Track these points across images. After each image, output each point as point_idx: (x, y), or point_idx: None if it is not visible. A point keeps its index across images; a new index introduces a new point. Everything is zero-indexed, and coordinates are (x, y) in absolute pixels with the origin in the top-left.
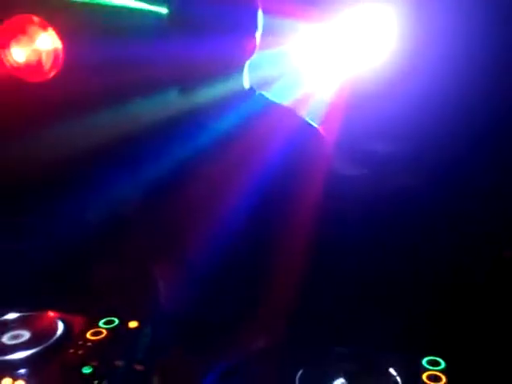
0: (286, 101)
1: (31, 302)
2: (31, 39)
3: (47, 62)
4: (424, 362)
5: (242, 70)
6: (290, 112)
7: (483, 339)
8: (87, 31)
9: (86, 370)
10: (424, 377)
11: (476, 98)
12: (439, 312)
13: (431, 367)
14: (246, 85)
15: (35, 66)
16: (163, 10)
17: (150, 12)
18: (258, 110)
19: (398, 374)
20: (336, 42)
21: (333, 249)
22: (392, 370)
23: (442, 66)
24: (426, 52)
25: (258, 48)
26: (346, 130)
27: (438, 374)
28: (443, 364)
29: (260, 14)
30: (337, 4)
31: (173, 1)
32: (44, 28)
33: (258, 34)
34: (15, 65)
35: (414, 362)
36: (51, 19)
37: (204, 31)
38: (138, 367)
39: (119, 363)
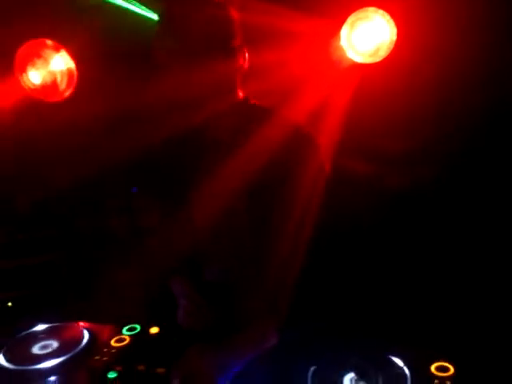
0: (283, 108)
1: (58, 312)
2: (46, 62)
3: (62, 83)
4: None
5: (235, 84)
6: (282, 120)
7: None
8: (99, 51)
9: (112, 375)
10: (432, 368)
11: (481, 93)
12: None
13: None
14: (241, 96)
15: (51, 87)
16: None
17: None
18: (252, 119)
19: (407, 367)
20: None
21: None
22: (401, 363)
23: (447, 63)
24: (433, 49)
25: (249, 62)
26: (353, 128)
27: (446, 364)
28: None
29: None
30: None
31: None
32: (57, 50)
33: (243, 52)
34: (32, 87)
35: (422, 355)
36: (64, 41)
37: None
38: (160, 370)
39: (142, 367)
